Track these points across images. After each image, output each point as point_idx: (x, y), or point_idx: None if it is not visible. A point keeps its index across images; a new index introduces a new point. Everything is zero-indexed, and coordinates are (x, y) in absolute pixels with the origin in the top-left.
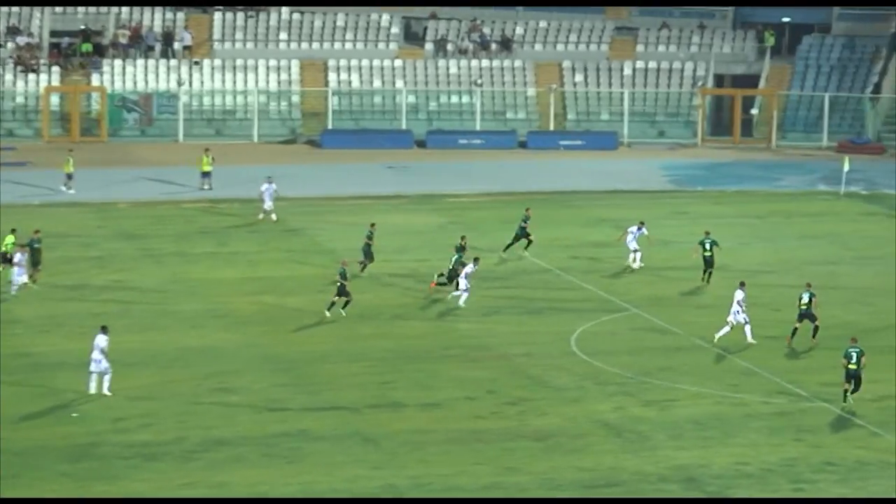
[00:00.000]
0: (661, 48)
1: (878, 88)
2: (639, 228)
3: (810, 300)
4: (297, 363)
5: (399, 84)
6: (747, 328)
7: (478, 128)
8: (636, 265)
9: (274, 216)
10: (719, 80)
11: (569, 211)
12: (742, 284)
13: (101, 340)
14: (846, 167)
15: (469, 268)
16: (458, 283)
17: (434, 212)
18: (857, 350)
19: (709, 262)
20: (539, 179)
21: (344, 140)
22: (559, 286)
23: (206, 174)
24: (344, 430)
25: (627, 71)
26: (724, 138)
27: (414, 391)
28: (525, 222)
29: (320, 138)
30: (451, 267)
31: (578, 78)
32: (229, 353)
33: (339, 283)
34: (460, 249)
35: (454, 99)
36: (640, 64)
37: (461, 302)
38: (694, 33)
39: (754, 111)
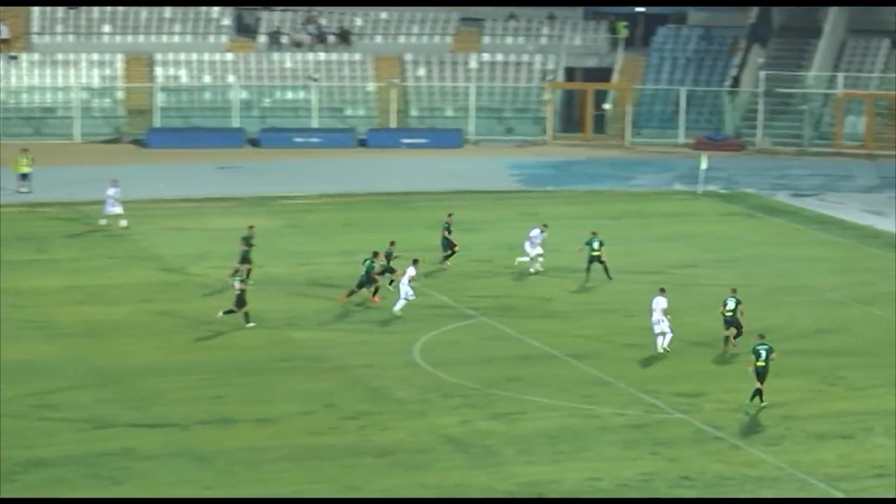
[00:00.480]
0: (509, 40)
1: (736, 82)
2: (542, 231)
3: (736, 306)
4: (123, 377)
5: (230, 79)
6: (667, 337)
7: (314, 125)
8: (535, 268)
9: (124, 222)
10: (570, 74)
11: (411, 213)
12: (662, 291)
13: None
14: (704, 165)
15: (411, 271)
16: (398, 290)
17: (269, 215)
18: (767, 346)
19: (595, 261)
20: (380, 180)
21: (171, 139)
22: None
23: (24, 176)
24: (173, 448)
25: (473, 64)
26: (575, 135)
27: (247, 406)
28: (447, 229)
29: (146, 137)
30: (362, 274)
31: (421, 72)
32: (51, 366)
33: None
34: (374, 256)
35: (289, 95)
36: (486, 57)
37: (397, 308)
38: (543, 24)
39: (607, 106)
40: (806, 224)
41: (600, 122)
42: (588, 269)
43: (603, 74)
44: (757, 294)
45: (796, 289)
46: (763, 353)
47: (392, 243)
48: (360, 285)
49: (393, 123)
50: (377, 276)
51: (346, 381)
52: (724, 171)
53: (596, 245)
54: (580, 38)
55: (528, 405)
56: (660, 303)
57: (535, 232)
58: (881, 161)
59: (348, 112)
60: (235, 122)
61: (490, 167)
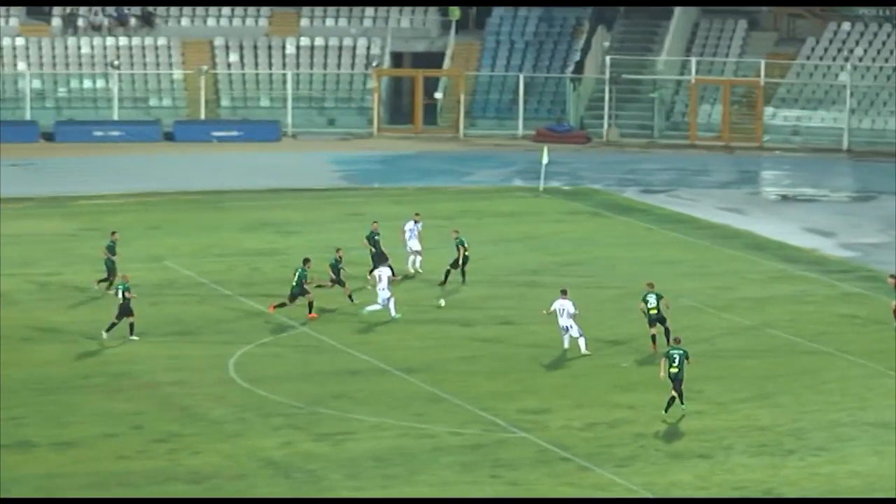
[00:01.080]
0: (330, 22)
1: (580, 67)
2: (416, 223)
3: (659, 301)
4: None
5: (21, 67)
6: (582, 340)
7: (116, 117)
8: (415, 269)
9: None
10: (397, 60)
11: (224, 213)
12: (564, 293)
13: None
14: (545, 159)
15: (387, 273)
16: (377, 294)
17: (65, 217)
18: (681, 351)
19: (465, 261)
20: (189, 177)
21: None
22: (214, 301)
23: None
24: None
25: (290, 49)
26: (403, 127)
27: (46, 428)
28: (372, 240)
29: None
30: (294, 284)
31: (233, 58)
32: None
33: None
34: (305, 264)
35: (87, 84)
36: (304, 41)
37: (394, 312)
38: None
39: (438, 95)
40: (657, 223)
41: (431, 113)
42: (457, 272)
43: (434, 60)
44: (605, 300)
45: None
46: (677, 358)
47: (338, 251)
48: (293, 297)
49: (202, 115)
50: (325, 285)
51: (153, 400)
52: (567, 165)
53: (466, 244)
54: (408, 20)
55: (356, 424)
56: (566, 306)
57: (410, 224)
58: (739, 154)
59: (153, 102)
60: (27, 115)
61: (310, 163)
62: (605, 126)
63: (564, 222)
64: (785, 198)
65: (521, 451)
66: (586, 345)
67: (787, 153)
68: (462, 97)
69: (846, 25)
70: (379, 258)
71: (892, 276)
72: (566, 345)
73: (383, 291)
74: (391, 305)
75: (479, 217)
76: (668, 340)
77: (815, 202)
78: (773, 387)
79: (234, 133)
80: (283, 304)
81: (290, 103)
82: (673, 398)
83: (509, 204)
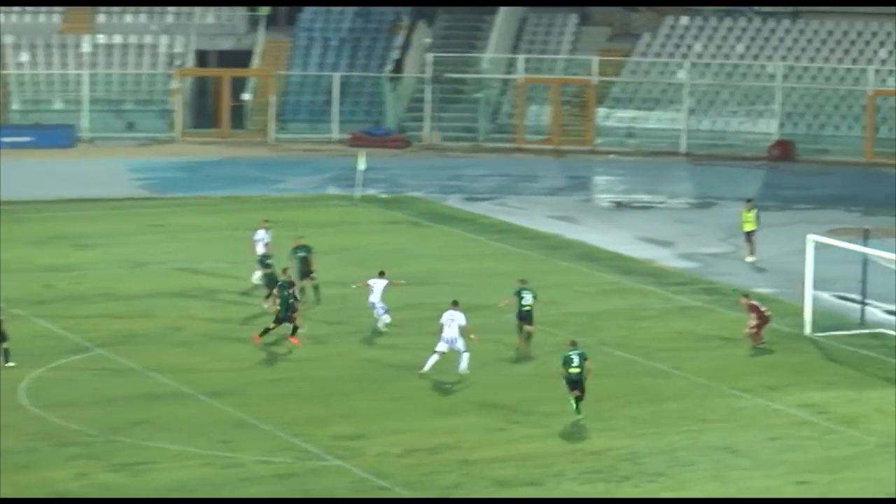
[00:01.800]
0: (129, 18)
1: (398, 66)
2: (266, 230)
3: (534, 300)
4: None
5: None
6: (465, 356)
7: None
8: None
9: None
10: (202, 59)
11: (14, 226)
12: (455, 304)
13: None
14: (362, 165)
15: (379, 283)
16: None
17: None
18: (580, 353)
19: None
20: None
21: None
22: (4, 321)
23: None
24: None
25: (86, 47)
26: (209, 131)
27: None
28: (302, 252)
29: None
30: (280, 305)
31: (23, 57)
32: None
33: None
34: (291, 286)
35: None
36: (101, 38)
37: (382, 324)
38: None
39: (246, 97)
40: (482, 233)
41: (239, 116)
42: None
43: (241, 59)
44: (424, 318)
45: (472, 309)
46: (576, 360)
47: (285, 270)
48: (280, 321)
49: None
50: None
51: None
52: (385, 171)
53: (303, 253)
54: (213, 16)
55: (158, 453)
56: (456, 318)
57: (261, 234)
58: (569, 158)
59: None
60: None
61: (108, 170)
62: (427, 129)
63: (382, 233)
64: (619, 205)
65: (336, 480)
66: (468, 364)
67: (622, 157)
68: (272, 99)
69: (684, 20)
70: (302, 272)
71: (745, 297)
72: (427, 366)
73: (379, 304)
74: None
75: (291, 227)
76: (522, 342)
77: (651, 209)
78: (607, 408)
79: (25, 139)
80: (267, 331)
81: (85, 106)
82: (578, 398)
83: (323, 213)
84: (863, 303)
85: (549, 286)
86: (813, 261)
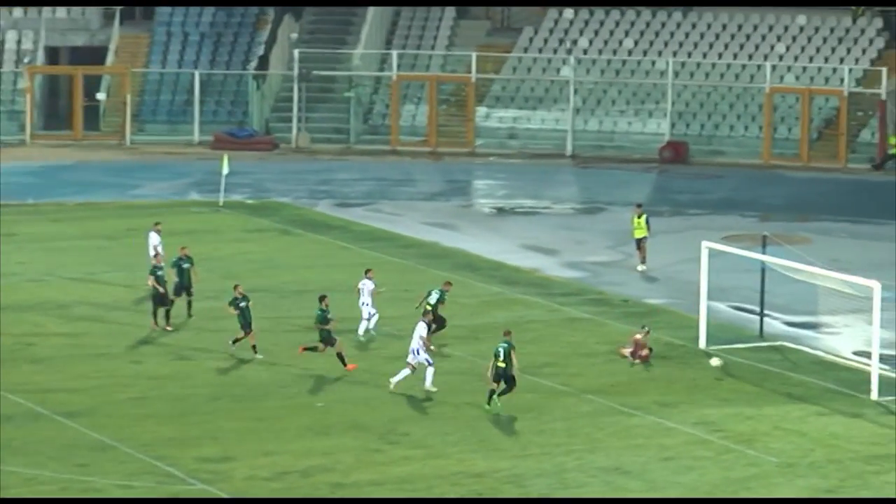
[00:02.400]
0: None
1: (264, 63)
2: (158, 232)
3: (440, 300)
4: None
5: None
6: (429, 371)
7: None
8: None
9: None
10: (53, 55)
11: None
12: (426, 313)
13: None
14: (225, 169)
15: (367, 284)
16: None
17: None
18: (506, 345)
19: (181, 285)
20: None
21: None
22: None
23: None
24: None
25: None
26: (61, 133)
27: None
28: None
29: None
30: (322, 327)
31: None
32: None
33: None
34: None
35: None
36: None
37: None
38: None
39: (101, 96)
40: (355, 241)
41: (93, 117)
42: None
43: (95, 55)
44: (295, 329)
45: (344, 322)
46: (501, 353)
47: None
48: (326, 341)
49: None
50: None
51: None
52: (251, 175)
53: (185, 265)
54: (65, 10)
55: (8, 478)
56: (417, 328)
57: (157, 240)
58: (448, 161)
59: None
60: None
61: None
62: (294, 130)
63: (248, 241)
64: (501, 211)
65: None
66: (433, 379)
67: (503, 159)
68: (128, 98)
69: (568, 13)
70: (179, 289)
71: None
72: (396, 380)
73: (367, 306)
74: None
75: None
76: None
77: (535, 215)
78: (490, 428)
79: None
80: (314, 348)
81: None
82: (492, 391)
83: (184, 221)
84: (761, 314)
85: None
86: (707, 269)
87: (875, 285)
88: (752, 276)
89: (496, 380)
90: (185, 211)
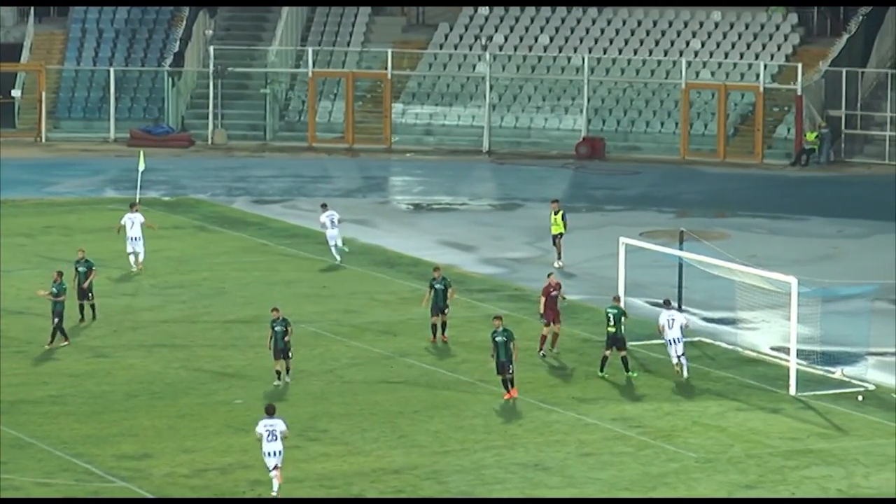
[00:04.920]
0: None
1: (179, 59)
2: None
3: (446, 290)
4: None
5: None
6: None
7: None
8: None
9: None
10: None
11: None
12: (668, 303)
13: None
14: (142, 166)
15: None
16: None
17: None
18: (616, 310)
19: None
20: None
21: None
22: None
23: None
24: None
25: None
26: None
27: None
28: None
29: None
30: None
31: None
32: None
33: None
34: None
35: None
36: None
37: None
38: None
39: (16, 93)
40: (272, 238)
41: (8, 114)
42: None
43: (10, 52)
44: (214, 326)
45: (263, 319)
46: (612, 317)
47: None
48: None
49: None
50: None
51: None
52: (167, 172)
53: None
54: None
55: None
56: (676, 318)
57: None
58: (364, 157)
59: None
60: None
61: None
62: (211, 127)
63: (165, 238)
64: (418, 207)
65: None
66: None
67: (420, 156)
68: (43, 95)
69: (483, 9)
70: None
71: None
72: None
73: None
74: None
75: (67, 233)
76: (625, 368)
77: (452, 211)
78: (409, 424)
79: None
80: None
81: None
82: (605, 358)
83: (101, 218)
84: (679, 310)
85: (344, 294)
86: (625, 265)
87: (793, 280)
88: (670, 272)
89: (609, 346)
90: (101, 208)
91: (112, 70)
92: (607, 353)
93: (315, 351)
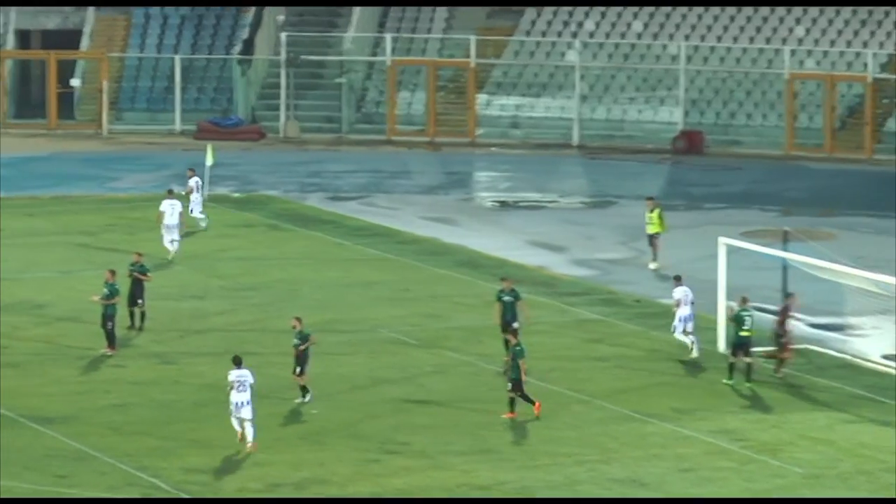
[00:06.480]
0: None
1: (249, 46)
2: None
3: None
4: None
5: None
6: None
7: None
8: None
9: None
10: (24, 39)
11: None
12: (678, 279)
13: None
14: (210, 160)
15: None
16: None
17: None
18: (750, 315)
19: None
20: None
21: None
22: None
23: None
24: None
25: None
26: (33, 122)
27: None
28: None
29: None
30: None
31: None
32: None
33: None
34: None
35: None
36: None
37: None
38: None
39: (75, 83)
40: (349, 237)
41: (68, 105)
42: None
43: (70, 39)
44: (286, 331)
45: (339, 324)
46: (747, 320)
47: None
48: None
49: None
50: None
51: None
52: (237, 167)
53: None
54: None
55: None
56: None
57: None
58: (447, 151)
59: None
60: None
61: None
62: (283, 119)
63: (234, 237)
64: (504, 204)
65: None
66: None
67: (506, 150)
68: (105, 85)
69: None
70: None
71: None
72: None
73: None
74: None
75: (130, 231)
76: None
77: (540, 209)
78: (495, 437)
79: None
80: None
81: None
82: (732, 365)
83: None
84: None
85: (425, 297)
86: (725, 267)
87: None
88: (773, 275)
89: (736, 351)
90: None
91: (178, 58)
92: (735, 359)
93: (395, 358)
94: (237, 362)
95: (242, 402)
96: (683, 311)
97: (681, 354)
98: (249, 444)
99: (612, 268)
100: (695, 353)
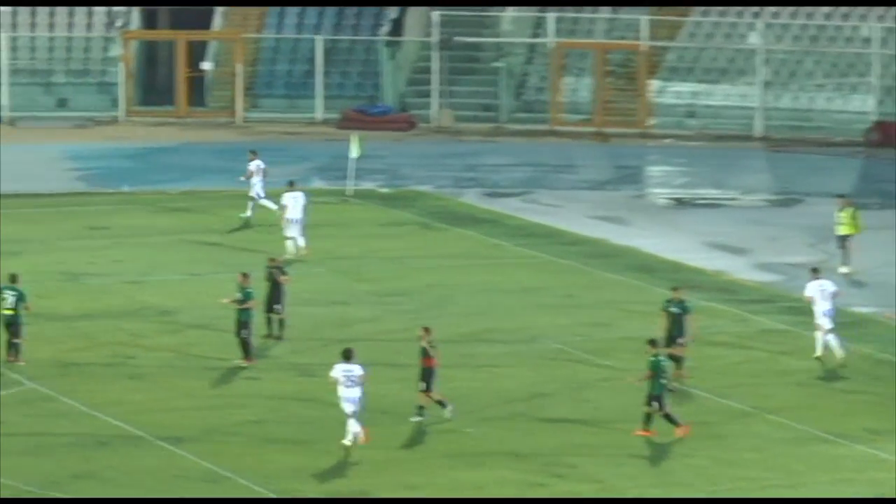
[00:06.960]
0: None
1: (398, 27)
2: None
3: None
4: None
5: None
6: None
7: None
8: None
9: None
10: (150, 18)
11: None
12: (815, 271)
13: None
14: (355, 152)
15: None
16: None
17: None
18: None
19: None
20: None
21: None
22: None
23: None
24: None
25: (2, 7)
26: (161, 109)
27: None
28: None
29: None
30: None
31: None
32: None
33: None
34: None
35: None
36: None
37: None
38: None
39: (207, 66)
40: (508, 237)
41: (199, 90)
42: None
43: (200, 18)
44: (439, 341)
45: (497, 333)
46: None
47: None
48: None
49: None
50: None
51: None
52: (385, 159)
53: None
54: None
55: None
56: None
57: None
58: (616, 143)
59: None
60: None
61: (36, 158)
62: (435, 107)
63: (382, 237)
64: (679, 202)
65: None
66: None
67: (681, 141)
68: (239, 69)
69: None
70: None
71: None
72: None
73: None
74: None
75: (268, 231)
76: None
77: (719, 207)
78: (669, 457)
79: None
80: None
81: (5, 78)
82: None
83: (308, 212)
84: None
85: (593, 304)
86: None
87: None
88: None
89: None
90: (308, 201)
91: (319, 39)
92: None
93: (559, 371)
94: (348, 356)
95: (353, 399)
96: (823, 306)
97: (875, 371)
98: (359, 438)
99: (798, 272)
100: (840, 354)
